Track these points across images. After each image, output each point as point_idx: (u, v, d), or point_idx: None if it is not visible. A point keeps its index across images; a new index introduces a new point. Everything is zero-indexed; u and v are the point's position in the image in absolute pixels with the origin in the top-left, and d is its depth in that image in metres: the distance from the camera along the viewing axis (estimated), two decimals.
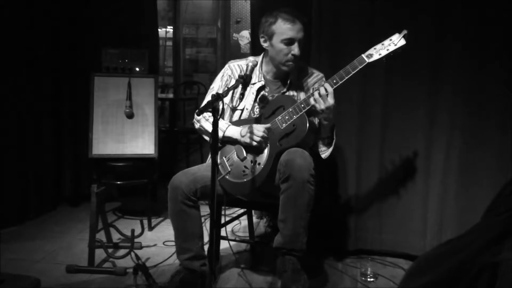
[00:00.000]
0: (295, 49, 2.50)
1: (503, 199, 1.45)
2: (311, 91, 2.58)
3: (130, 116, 3.43)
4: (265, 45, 2.61)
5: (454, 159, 2.90)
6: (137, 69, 3.59)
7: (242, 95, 2.60)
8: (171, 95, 6.28)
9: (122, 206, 4.21)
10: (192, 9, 7.87)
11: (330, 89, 2.34)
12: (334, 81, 2.36)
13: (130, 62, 3.58)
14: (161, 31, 7.50)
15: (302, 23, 2.49)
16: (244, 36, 7.38)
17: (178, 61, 7.74)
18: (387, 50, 2.33)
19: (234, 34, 7.46)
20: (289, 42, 2.49)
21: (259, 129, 2.45)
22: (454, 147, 2.90)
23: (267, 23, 2.54)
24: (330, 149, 2.53)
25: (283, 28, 2.48)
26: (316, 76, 2.69)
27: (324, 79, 2.66)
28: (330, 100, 2.34)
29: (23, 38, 3.72)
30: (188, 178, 2.48)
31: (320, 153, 2.55)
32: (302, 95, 2.63)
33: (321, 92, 2.34)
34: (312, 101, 2.38)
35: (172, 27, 7.71)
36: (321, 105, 2.35)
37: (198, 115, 2.08)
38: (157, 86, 3.59)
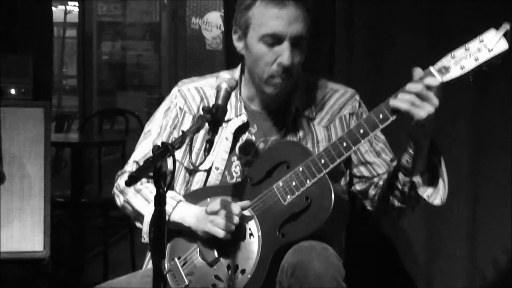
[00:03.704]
0: (283, 53, 1.82)
1: None
2: (337, 122, 1.99)
3: None
4: (239, 46, 1.93)
5: None
6: (13, 91, 2.92)
7: (209, 145, 1.83)
8: (74, 136, 4.74)
9: None
10: None
11: (436, 81, 1.68)
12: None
13: None
14: (57, 11, 5.56)
15: (301, 8, 1.82)
16: (211, 23, 5.38)
17: (88, 67, 5.47)
18: (476, 60, 1.64)
19: (194, 19, 5.49)
20: (273, 40, 1.83)
21: (234, 210, 1.81)
22: None
23: (241, 6, 1.90)
24: (441, 188, 1.84)
25: (265, 16, 1.84)
26: (341, 94, 2.04)
27: (357, 98, 2.05)
28: (434, 100, 1.68)
29: None
30: None
31: (428, 198, 1.85)
32: (320, 136, 2.01)
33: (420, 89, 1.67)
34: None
35: (76, 1, 5.41)
36: (425, 108, 1.68)
37: (128, 184, 1.45)
38: (49, 120, 2.80)
